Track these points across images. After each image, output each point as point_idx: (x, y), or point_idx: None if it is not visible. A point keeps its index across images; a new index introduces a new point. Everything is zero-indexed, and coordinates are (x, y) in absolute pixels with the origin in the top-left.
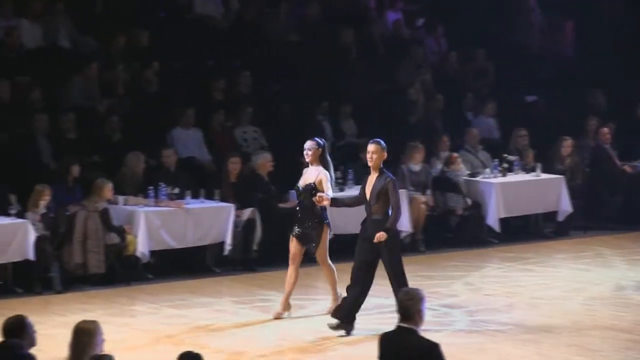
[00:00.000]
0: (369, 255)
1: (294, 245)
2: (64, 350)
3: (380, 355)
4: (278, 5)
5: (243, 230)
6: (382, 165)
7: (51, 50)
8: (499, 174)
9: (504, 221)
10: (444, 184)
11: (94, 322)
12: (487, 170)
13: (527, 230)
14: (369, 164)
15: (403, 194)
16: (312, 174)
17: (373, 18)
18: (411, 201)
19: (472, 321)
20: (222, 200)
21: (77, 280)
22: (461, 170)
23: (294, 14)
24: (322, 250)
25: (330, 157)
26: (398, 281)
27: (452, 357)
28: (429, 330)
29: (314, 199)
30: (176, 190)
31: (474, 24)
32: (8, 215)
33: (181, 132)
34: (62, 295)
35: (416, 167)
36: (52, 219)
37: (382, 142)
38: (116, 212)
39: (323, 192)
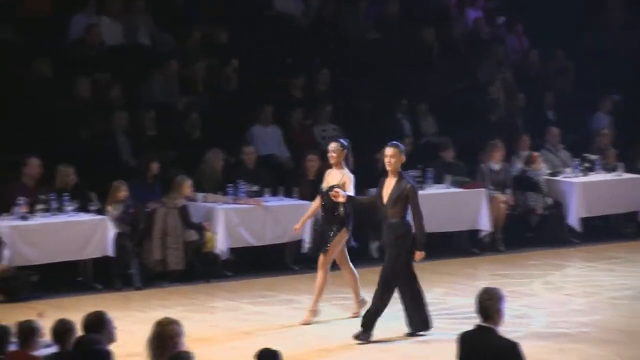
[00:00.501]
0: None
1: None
2: (143, 347)
3: (460, 355)
4: (357, 3)
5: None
6: (400, 169)
7: (131, 47)
8: (580, 174)
9: (584, 221)
10: (525, 183)
11: (175, 320)
12: (568, 169)
13: (607, 230)
14: (387, 167)
15: (482, 193)
16: (336, 177)
17: (454, 16)
18: (491, 200)
19: (551, 321)
20: (301, 198)
21: (156, 277)
22: (541, 170)
23: (372, 12)
24: (330, 255)
25: (410, 156)
26: (386, 286)
27: (532, 357)
28: (508, 329)
29: (330, 193)
30: (255, 188)
31: (553, 22)
32: (88, 211)
33: (260, 129)
34: (142, 291)
35: (496, 165)
36: (132, 216)
37: (401, 146)
38: (195, 209)
39: None
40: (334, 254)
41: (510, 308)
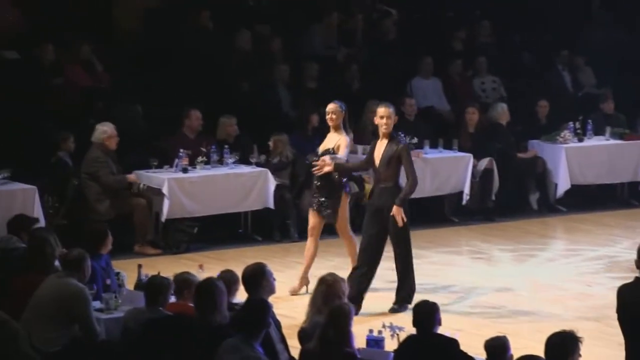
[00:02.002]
0: (375, 228)
1: (312, 217)
2: (304, 298)
3: (618, 306)
4: None
5: (481, 180)
6: (392, 130)
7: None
8: None
9: None
10: None
11: (340, 278)
12: None
13: None
14: (381, 129)
15: None
16: (333, 139)
17: None
18: None
19: None
20: (460, 150)
21: None
22: None
23: None
24: (342, 221)
25: (570, 108)
26: (402, 261)
27: None
28: None
29: (313, 170)
30: (415, 140)
31: None
32: (249, 163)
33: (420, 81)
34: (301, 243)
35: None
36: (292, 168)
37: (392, 106)
38: (355, 161)
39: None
40: (345, 217)
41: None
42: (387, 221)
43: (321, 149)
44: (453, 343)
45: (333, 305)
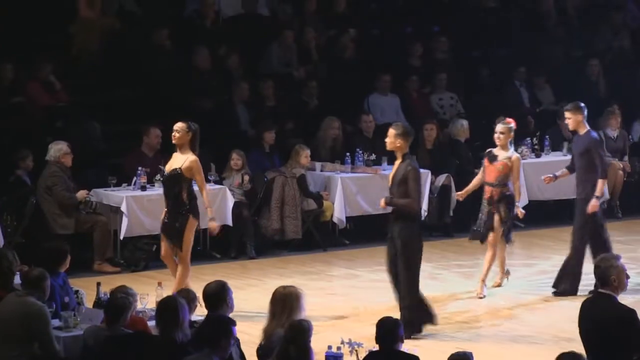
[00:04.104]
0: (391, 251)
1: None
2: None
3: (580, 320)
4: None
5: (439, 196)
6: (406, 151)
7: (250, 17)
8: None
9: None
10: None
11: (297, 288)
12: None
13: None
14: (389, 148)
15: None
16: (179, 159)
17: None
18: (608, 167)
19: None
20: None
21: (274, 246)
22: None
23: None
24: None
25: (530, 124)
26: (408, 283)
27: None
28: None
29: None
30: (373, 157)
31: None
32: (207, 181)
33: (378, 98)
34: (259, 260)
35: (613, 132)
36: (250, 185)
37: (400, 127)
38: (313, 178)
39: (189, 178)
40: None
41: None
42: (397, 244)
43: (167, 168)
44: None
45: (292, 321)
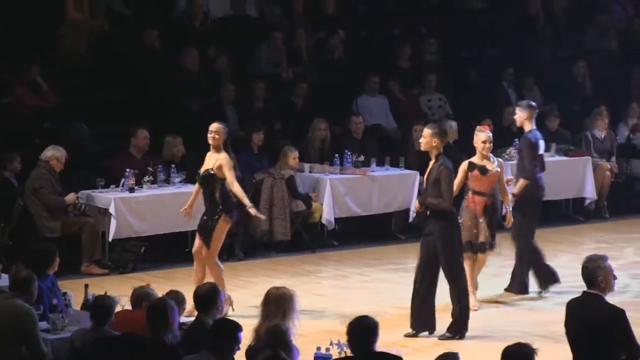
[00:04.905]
0: (429, 251)
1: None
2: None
3: (566, 320)
4: None
5: None
6: (441, 150)
7: (239, 19)
8: None
9: None
10: (630, 151)
11: (290, 289)
12: None
13: None
14: (422, 148)
15: (587, 161)
16: (212, 159)
17: None
18: (596, 168)
19: None
20: (407, 167)
21: (263, 248)
22: None
23: None
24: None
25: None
26: (455, 282)
27: (637, 323)
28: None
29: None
30: (361, 158)
31: None
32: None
33: (367, 99)
34: (248, 262)
35: (601, 133)
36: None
37: (439, 126)
38: (302, 179)
39: (222, 178)
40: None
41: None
42: (437, 244)
43: (202, 169)
44: None
45: (270, 326)
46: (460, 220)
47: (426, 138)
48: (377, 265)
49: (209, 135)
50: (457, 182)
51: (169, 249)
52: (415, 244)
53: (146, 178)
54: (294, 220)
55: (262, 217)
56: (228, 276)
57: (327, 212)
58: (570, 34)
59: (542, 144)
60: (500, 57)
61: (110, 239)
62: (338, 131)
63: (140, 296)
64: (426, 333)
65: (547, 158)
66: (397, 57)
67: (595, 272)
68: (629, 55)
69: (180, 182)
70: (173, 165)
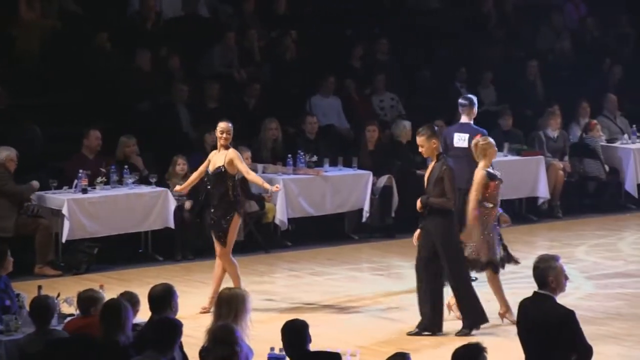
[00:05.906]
0: (428, 249)
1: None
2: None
3: (519, 320)
4: None
5: (380, 198)
6: (440, 150)
7: (190, 19)
8: (638, 140)
9: None
10: (582, 150)
11: (243, 290)
12: (625, 136)
13: None
14: (424, 155)
15: (540, 160)
16: (220, 157)
17: None
18: (549, 167)
19: (605, 285)
20: (360, 167)
21: None
22: (600, 137)
23: None
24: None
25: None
26: (454, 277)
27: (588, 322)
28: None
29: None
30: (314, 158)
31: None
32: (149, 183)
33: (320, 99)
34: (202, 262)
35: (554, 133)
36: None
37: (428, 128)
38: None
39: (233, 173)
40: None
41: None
42: (436, 242)
43: (211, 168)
44: (336, 357)
45: (215, 326)
46: (480, 238)
47: (425, 143)
48: (330, 265)
49: (220, 136)
50: (476, 194)
51: (123, 250)
52: (369, 243)
53: (99, 179)
54: (247, 220)
55: (278, 188)
56: (182, 276)
57: (280, 213)
58: (523, 34)
59: None
60: (452, 56)
61: (63, 240)
62: (291, 131)
63: (85, 300)
64: (429, 333)
65: (500, 158)
66: (349, 57)
67: (547, 272)
68: (581, 55)
69: (133, 182)
70: (126, 166)
